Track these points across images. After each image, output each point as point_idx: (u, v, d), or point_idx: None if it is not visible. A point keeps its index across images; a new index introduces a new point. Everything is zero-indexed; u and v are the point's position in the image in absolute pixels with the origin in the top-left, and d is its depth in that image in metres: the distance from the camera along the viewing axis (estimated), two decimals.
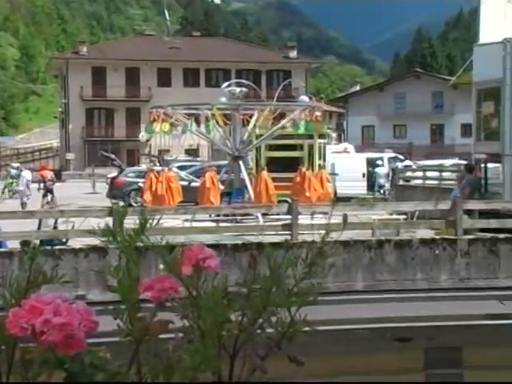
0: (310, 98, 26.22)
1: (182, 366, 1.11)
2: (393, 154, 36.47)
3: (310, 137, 21.51)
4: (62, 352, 0.99)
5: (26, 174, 29.90)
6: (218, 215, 17.96)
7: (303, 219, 13.85)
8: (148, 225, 1.19)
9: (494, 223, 13.02)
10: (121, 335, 1.12)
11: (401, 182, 26.69)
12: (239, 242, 11.42)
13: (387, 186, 29.74)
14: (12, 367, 1.05)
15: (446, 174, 24.68)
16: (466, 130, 61.20)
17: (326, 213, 14.80)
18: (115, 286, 1.11)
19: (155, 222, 1.22)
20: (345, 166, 29.65)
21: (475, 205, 14.47)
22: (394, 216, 17.77)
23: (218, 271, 1.17)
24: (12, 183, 33.98)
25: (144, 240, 1.16)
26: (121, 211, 1.17)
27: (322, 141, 23.01)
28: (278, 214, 16.42)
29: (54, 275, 1.07)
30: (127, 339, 1.12)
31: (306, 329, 1.17)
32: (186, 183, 23.57)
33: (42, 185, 29.04)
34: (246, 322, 1.16)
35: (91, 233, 1.19)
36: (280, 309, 1.17)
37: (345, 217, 1.32)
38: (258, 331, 1.17)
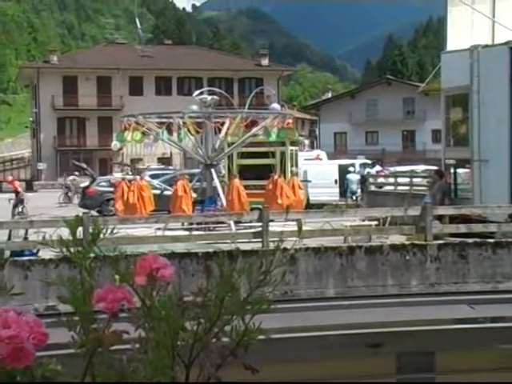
0: (282, 106, 26.27)
1: (136, 377, 1.11)
2: (364, 161, 36.69)
3: (282, 144, 21.58)
4: (11, 365, 0.98)
5: None
6: (191, 224, 17.91)
7: (276, 226, 13.86)
8: (102, 235, 1.19)
9: (462, 228, 13.15)
10: (75, 346, 1.12)
11: (372, 188, 26.83)
12: (211, 250, 11.39)
13: (359, 192, 29.89)
14: None
15: (417, 180, 24.87)
16: (436, 135, 61.74)
17: (297, 220, 14.80)
18: (67, 297, 1.11)
19: (110, 231, 1.22)
20: (317, 172, 29.78)
21: (445, 210, 14.59)
22: (366, 222, 17.85)
23: (171, 281, 1.17)
24: None
25: (96, 251, 1.15)
26: (73, 222, 1.16)
27: (294, 148, 23.08)
28: (250, 222, 16.42)
29: (4, 286, 1.06)
30: (81, 350, 1.12)
31: (261, 337, 1.17)
32: (158, 192, 23.49)
33: (14, 194, 28.79)
34: (201, 330, 1.16)
35: (44, 244, 1.18)
36: (235, 317, 1.17)
37: (299, 223, 1.33)
38: (213, 340, 1.17)
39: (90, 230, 1.23)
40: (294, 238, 1.07)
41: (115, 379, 1.10)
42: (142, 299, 1.15)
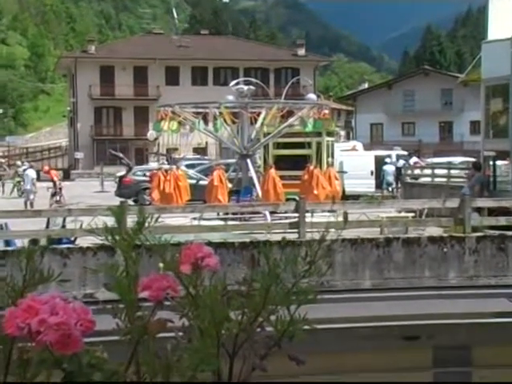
0: (318, 96, 26.23)
1: (180, 366, 1.11)
2: (401, 152, 36.38)
3: (318, 135, 21.50)
4: (58, 352, 0.98)
5: (31, 173, 29.99)
6: (226, 213, 17.95)
7: (311, 217, 13.82)
8: (146, 223, 1.18)
9: (502, 221, 12.98)
10: (120, 334, 1.12)
11: (409, 180, 26.62)
12: (247, 240, 11.41)
13: (395, 183, 29.67)
14: (10, 367, 1.05)
15: (454, 172, 24.61)
16: (475, 127, 61.04)
17: (334, 211, 14.76)
18: (112, 285, 1.11)
19: (154, 220, 1.21)
20: (353, 163, 29.62)
21: (484, 202, 14.42)
22: (403, 214, 17.72)
23: (216, 270, 1.16)
24: (20, 182, 34.11)
25: (142, 239, 1.15)
26: (118, 210, 1.16)
27: (330, 139, 22.98)
28: (285, 212, 16.41)
29: (51, 274, 1.06)
30: (126, 338, 1.12)
31: (306, 327, 1.16)
32: (194, 181, 23.59)
33: (52, 184, 29.22)
34: (246, 320, 1.16)
35: (91, 232, 1.18)
36: (280, 307, 1.16)
37: (345, 214, 1.31)
38: (258, 330, 1.16)
39: (128, 219, 1.23)
40: (331, 229, 1.06)
41: (160, 367, 1.10)
42: (187, 288, 1.14)
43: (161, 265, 1.18)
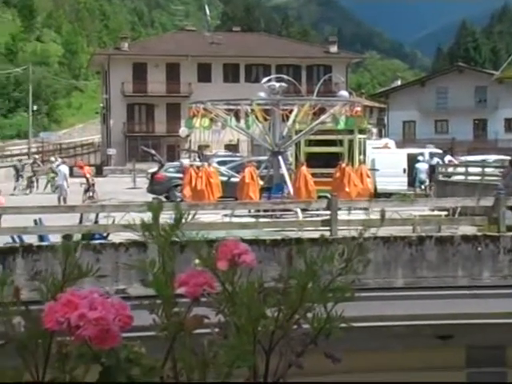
0: (350, 93, 26.06)
1: (217, 362, 1.11)
2: (434, 150, 36.07)
3: (350, 132, 21.40)
4: (97, 346, 0.99)
5: (63, 169, 30.30)
6: (258, 210, 17.97)
7: (343, 215, 13.78)
8: (183, 220, 1.19)
9: None
10: (156, 330, 1.12)
11: (442, 178, 26.39)
12: (278, 237, 11.41)
13: (428, 181, 29.45)
14: (49, 361, 1.06)
15: (488, 170, 24.33)
16: (510, 124, 60.24)
17: (365, 208, 14.71)
18: (150, 281, 1.11)
19: (191, 216, 1.22)
20: (385, 161, 29.45)
21: None
22: (436, 212, 17.58)
23: (253, 267, 1.16)
24: (54, 178, 34.51)
25: (179, 235, 1.15)
26: (156, 206, 1.17)
27: (362, 136, 22.87)
28: (317, 210, 16.37)
29: (90, 269, 1.07)
30: (163, 334, 1.12)
31: (343, 325, 1.15)
32: (225, 178, 23.64)
33: (84, 180, 29.52)
34: (282, 317, 1.16)
35: (128, 227, 1.19)
36: (316, 305, 1.16)
37: (382, 212, 1.30)
38: (294, 327, 1.16)
39: (162, 215, 1.23)
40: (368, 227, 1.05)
41: (196, 363, 1.11)
42: (224, 284, 1.15)
43: (196, 261, 1.19)
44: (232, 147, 47.85)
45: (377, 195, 24.33)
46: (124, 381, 1.04)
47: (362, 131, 22.67)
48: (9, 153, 62.56)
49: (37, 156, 48.14)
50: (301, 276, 1.14)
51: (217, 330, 1.16)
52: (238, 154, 41.67)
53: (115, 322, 0.99)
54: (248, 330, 1.12)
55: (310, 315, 1.15)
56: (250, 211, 18.36)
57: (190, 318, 1.13)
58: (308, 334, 1.16)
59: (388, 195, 25.09)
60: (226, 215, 16.91)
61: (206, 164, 19.86)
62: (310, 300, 1.15)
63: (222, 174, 23.87)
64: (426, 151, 34.49)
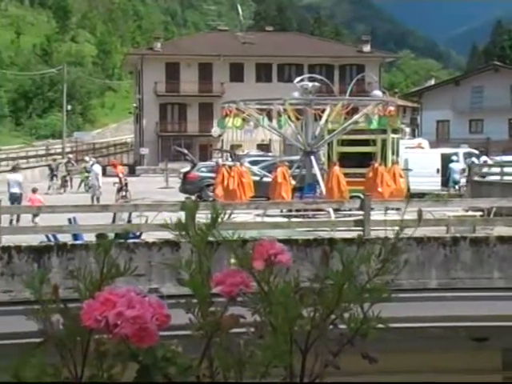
0: (384, 93, 25.91)
1: (253, 361, 1.11)
2: (468, 150, 35.69)
3: (383, 132, 21.28)
4: (134, 344, 1.00)
5: (96, 168, 30.57)
6: (290, 210, 17.95)
7: (375, 215, 13.70)
8: (219, 219, 1.19)
9: None
10: (192, 329, 1.13)
11: (476, 178, 26.11)
12: (311, 237, 11.38)
13: (462, 181, 29.15)
14: (87, 358, 1.07)
15: None
16: None
17: (398, 209, 14.60)
18: (186, 280, 1.12)
19: (227, 216, 1.22)
20: (419, 161, 29.22)
21: None
22: (470, 213, 17.39)
23: (289, 266, 1.16)
24: (88, 177, 34.84)
25: (215, 234, 1.15)
26: (191, 206, 1.17)
27: (395, 136, 22.73)
28: (350, 210, 16.30)
29: (127, 268, 1.08)
30: (199, 333, 1.12)
31: (380, 326, 1.15)
32: (257, 178, 23.65)
33: (117, 179, 29.77)
34: (318, 317, 1.15)
35: (164, 227, 1.19)
36: (353, 305, 1.15)
37: (419, 212, 1.29)
38: (331, 327, 1.16)
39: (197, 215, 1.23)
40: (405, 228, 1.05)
41: (233, 363, 1.11)
42: (260, 284, 1.15)
43: (232, 260, 1.19)
44: (264, 147, 47.88)
45: (410, 195, 24.15)
46: (161, 379, 1.05)
47: (395, 131, 22.53)
48: (44, 152, 63.27)
49: (71, 156, 48.64)
50: (337, 276, 1.14)
51: (252, 329, 1.16)
52: (270, 154, 41.66)
53: (153, 321, 0.99)
54: (284, 329, 1.12)
55: (346, 315, 1.15)
56: (281, 211, 18.35)
57: (226, 318, 1.13)
58: (344, 334, 1.15)
59: (421, 195, 24.90)
60: (258, 215, 16.93)
61: (238, 164, 19.90)
62: (346, 300, 1.14)
63: (255, 174, 23.89)
64: (460, 151, 34.14)
